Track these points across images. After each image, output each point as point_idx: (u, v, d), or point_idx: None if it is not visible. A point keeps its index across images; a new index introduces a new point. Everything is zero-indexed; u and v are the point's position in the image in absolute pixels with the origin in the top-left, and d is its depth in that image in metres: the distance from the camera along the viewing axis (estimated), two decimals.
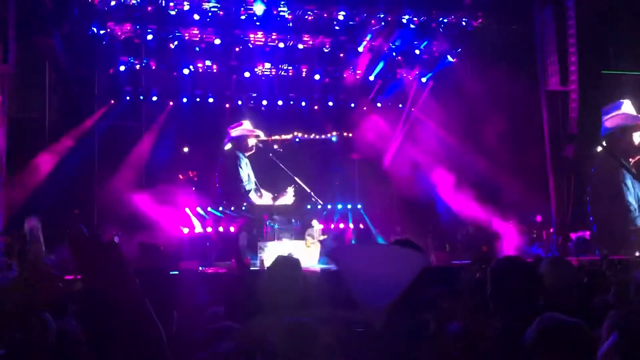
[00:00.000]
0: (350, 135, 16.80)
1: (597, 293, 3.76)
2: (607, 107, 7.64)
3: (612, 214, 7.08)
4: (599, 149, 7.70)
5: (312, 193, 11.74)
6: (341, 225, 15.99)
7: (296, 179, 11.16)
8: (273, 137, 11.80)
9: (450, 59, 15.41)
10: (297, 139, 14.74)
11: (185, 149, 15.69)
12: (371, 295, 1.64)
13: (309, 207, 16.01)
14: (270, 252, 13.71)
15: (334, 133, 16.42)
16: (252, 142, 10.46)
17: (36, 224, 11.41)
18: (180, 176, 15.56)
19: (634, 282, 2.76)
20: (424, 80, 16.15)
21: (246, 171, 10.42)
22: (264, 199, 10.90)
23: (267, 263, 12.29)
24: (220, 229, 15.14)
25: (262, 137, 10.86)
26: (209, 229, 15.07)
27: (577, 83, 12.59)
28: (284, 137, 12.75)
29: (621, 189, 7.03)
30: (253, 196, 10.62)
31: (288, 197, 10.88)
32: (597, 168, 7.28)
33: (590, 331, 1.90)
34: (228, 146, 10.56)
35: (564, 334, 1.77)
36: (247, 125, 10.59)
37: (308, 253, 13.96)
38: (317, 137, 15.75)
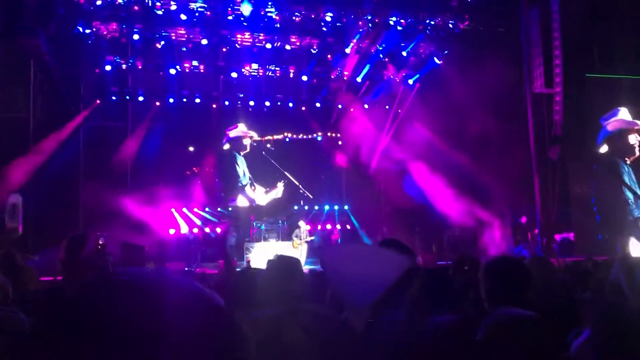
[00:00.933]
0: (337, 135, 16.85)
1: (580, 292, 3.81)
2: (607, 114, 8.34)
3: (613, 205, 7.86)
4: (603, 149, 8.26)
5: (300, 186, 12.57)
6: (328, 226, 16.06)
7: (286, 173, 11.95)
8: (266, 137, 12.47)
9: (437, 60, 15.50)
10: (287, 139, 14.95)
11: (191, 148, 15.67)
12: (355, 295, 1.65)
13: (296, 208, 16.05)
14: (257, 253, 13.73)
15: (319, 133, 16.48)
16: (247, 142, 11.32)
17: (17, 201, 11.29)
18: (187, 172, 15.55)
19: (609, 280, 2.80)
20: (410, 81, 16.22)
21: (242, 168, 11.30)
22: (257, 192, 11.61)
23: (254, 263, 12.35)
24: (207, 230, 15.14)
25: (256, 137, 11.64)
26: (195, 230, 15.06)
27: (562, 85, 12.71)
28: (275, 137, 13.22)
29: (620, 184, 7.77)
30: (248, 190, 11.41)
31: (278, 191, 11.72)
32: (599, 165, 7.85)
33: (545, 325, 1.92)
34: (226, 146, 11.35)
35: (518, 328, 1.79)
36: (242, 127, 11.38)
37: (295, 254, 14.00)
38: (304, 136, 15.88)
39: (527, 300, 2.16)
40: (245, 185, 11.27)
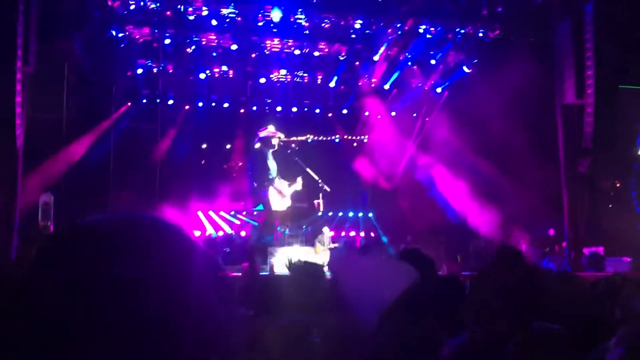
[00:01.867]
0: (360, 138, 16.82)
1: (609, 308, 3.73)
2: None
3: None
4: None
5: (319, 180, 13.34)
6: (352, 233, 16.04)
7: (308, 170, 13.03)
8: (291, 138, 13.38)
9: (466, 69, 15.40)
10: (310, 140, 15.26)
11: (228, 146, 15.96)
12: (362, 305, 1.66)
13: (320, 214, 16.07)
14: (280, 258, 13.78)
15: (338, 135, 16.50)
16: (275, 141, 12.61)
17: (49, 199, 11.60)
18: (225, 166, 15.82)
19: (621, 300, 2.75)
20: (439, 90, 16.14)
21: (271, 164, 12.58)
22: (282, 185, 12.80)
23: (277, 268, 12.42)
24: (232, 232, 15.27)
25: (283, 137, 12.94)
26: (221, 233, 15.21)
27: (594, 97, 12.52)
28: (299, 138, 13.94)
29: None
30: (277, 182, 12.65)
31: (298, 184, 12.79)
32: None
33: (576, 341, 1.89)
34: (257, 145, 12.73)
35: (548, 341, 1.77)
36: (271, 128, 12.70)
37: (317, 260, 14.00)
38: (325, 138, 15.99)
39: (546, 314, 2.13)
40: (274, 178, 12.55)
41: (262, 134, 12.66)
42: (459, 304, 1.74)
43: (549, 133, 13.51)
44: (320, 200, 13.49)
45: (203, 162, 15.87)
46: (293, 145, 13.23)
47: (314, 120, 16.47)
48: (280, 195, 12.80)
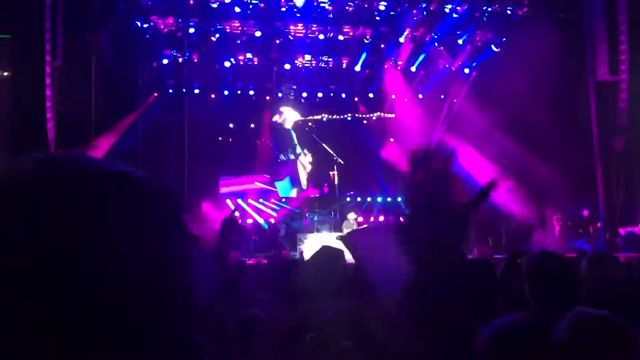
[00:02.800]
0: (381, 115, 16.64)
1: None
2: None
3: None
4: None
5: (334, 155, 14.87)
6: (381, 218, 15.94)
7: (324, 145, 14.71)
8: (308, 117, 15.11)
9: (494, 48, 15.07)
10: (325, 119, 15.86)
11: (252, 125, 16.24)
12: (385, 281, 1.62)
13: (348, 199, 16.03)
14: (309, 244, 13.82)
15: (349, 114, 16.41)
16: (291, 122, 14.76)
17: None
18: (257, 142, 16.11)
19: None
20: (466, 70, 15.83)
21: (295, 141, 14.68)
22: (306, 158, 14.89)
23: (307, 254, 12.46)
24: (260, 220, 15.34)
25: (299, 117, 14.92)
26: (250, 221, 15.29)
27: (628, 72, 12.13)
28: (316, 117, 15.45)
29: None
30: (301, 158, 14.77)
31: (308, 157, 14.79)
32: None
33: (626, 326, 1.81)
34: (279, 120, 14.77)
35: (597, 329, 1.69)
36: (287, 110, 14.95)
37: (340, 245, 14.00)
38: (338, 117, 16.10)
39: (579, 299, 2.05)
40: (300, 154, 14.53)
41: (283, 110, 14.78)
42: (489, 288, 1.67)
43: (581, 111, 13.16)
44: (335, 172, 14.93)
45: (231, 140, 16.05)
46: (310, 123, 14.80)
47: (340, 104, 16.38)
48: (304, 167, 14.65)
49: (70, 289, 0.55)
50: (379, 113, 16.43)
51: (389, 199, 16.40)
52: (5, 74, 12.52)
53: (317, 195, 15.85)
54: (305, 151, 14.79)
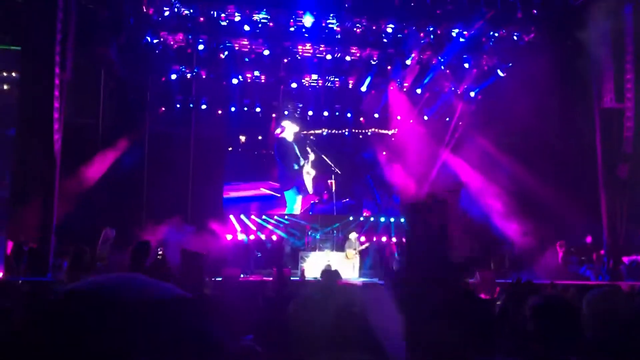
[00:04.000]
0: (381, 132, 16.78)
1: None
2: None
3: None
4: None
5: (332, 165, 15.76)
6: (384, 239, 15.89)
7: (323, 156, 15.57)
8: (309, 131, 16.06)
9: (500, 73, 15.15)
10: (325, 134, 16.54)
11: (260, 137, 16.51)
12: (392, 335, 1.62)
13: (351, 218, 16.02)
14: (311, 262, 13.79)
15: (346, 130, 16.69)
16: (291, 134, 15.61)
17: (111, 235, 12.08)
18: (263, 151, 16.74)
19: None
20: (472, 94, 15.90)
21: (296, 151, 15.46)
22: (309, 166, 15.72)
23: (308, 273, 12.43)
24: (263, 237, 15.33)
25: (298, 130, 15.72)
26: (252, 237, 15.27)
27: (634, 101, 12.17)
28: (317, 131, 16.29)
29: None
30: (306, 167, 15.53)
31: (311, 156, 15.72)
32: None
33: None
34: (282, 134, 15.53)
35: None
36: (287, 123, 15.64)
37: (348, 265, 13.95)
38: (337, 132, 16.53)
39: (580, 342, 2.05)
40: (303, 165, 15.47)
41: (285, 125, 15.73)
42: (487, 323, 1.68)
43: (586, 138, 13.18)
44: (333, 181, 15.81)
45: (240, 149, 16.39)
46: (311, 137, 15.83)
47: (344, 122, 16.57)
48: (309, 176, 15.42)
49: None
50: (374, 129, 16.60)
51: (392, 219, 16.39)
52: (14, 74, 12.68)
53: (317, 201, 16.07)
54: (306, 162, 15.71)
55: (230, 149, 16.17)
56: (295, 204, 15.95)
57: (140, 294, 0.74)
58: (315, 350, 1.68)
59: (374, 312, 1.70)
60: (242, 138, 16.32)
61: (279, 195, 16.03)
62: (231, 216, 15.55)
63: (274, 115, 16.13)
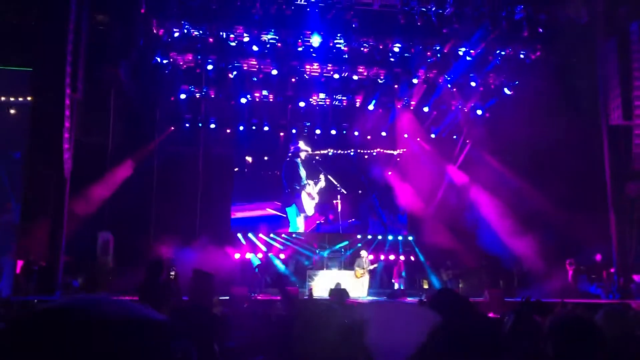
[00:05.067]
0: (397, 154, 16.77)
1: None
2: None
3: None
4: None
5: (338, 185, 16.34)
6: (391, 257, 15.85)
7: (328, 176, 16.27)
8: (315, 152, 16.41)
9: (507, 91, 15.19)
10: (331, 154, 16.59)
11: (266, 158, 16.57)
12: (386, 353, 1.62)
13: (359, 237, 16.01)
14: (319, 281, 13.75)
15: (351, 150, 16.73)
16: (303, 154, 16.26)
17: (108, 238, 12.08)
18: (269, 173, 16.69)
19: None
20: (479, 112, 15.93)
21: (302, 172, 16.12)
22: (312, 188, 16.13)
23: (316, 292, 12.39)
24: (271, 255, 15.34)
25: (310, 151, 16.34)
26: (260, 255, 15.28)
27: None
28: (322, 152, 16.54)
29: None
30: (308, 188, 16.11)
31: (322, 182, 16.18)
32: None
33: None
34: (289, 156, 16.18)
35: None
36: (301, 144, 16.28)
37: (357, 283, 13.90)
38: (343, 152, 16.59)
39: (603, 356, 2.04)
40: (306, 184, 16.02)
41: (292, 148, 16.24)
42: (498, 347, 1.67)
43: (594, 155, 13.16)
44: (338, 201, 16.18)
45: (246, 170, 16.41)
46: (317, 157, 16.30)
47: (351, 141, 16.60)
48: (310, 197, 16.10)
49: None
50: (379, 149, 16.62)
51: (399, 238, 16.36)
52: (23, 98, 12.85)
53: (323, 221, 16.07)
54: (310, 182, 16.14)
55: (236, 169, 16.21)
56: (296, 221, 16.00)
57: (106, 313, 0.77)
58: None
59: (379, 330, 1.71)
60: (249, 159, 16.37)
61: (284, 215, 16.06)
62: (239, 235, 15.59)
63: (282, 134, 16.22)
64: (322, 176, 16.22)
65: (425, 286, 14.83)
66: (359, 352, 1.70)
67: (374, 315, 1.81)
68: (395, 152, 16.79)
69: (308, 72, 14.84)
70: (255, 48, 13.59)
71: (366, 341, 1.71)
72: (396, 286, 14.42)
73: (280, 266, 15.33)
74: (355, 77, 14.86)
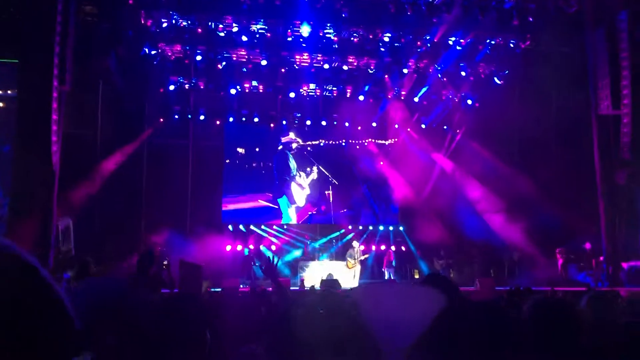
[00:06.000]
0: (383, 142, 16.79)
1: None
2: None
3: None
4: None
5: (329, 176, 16.42)
6: (382, 247, 15.88)
7: (320, 167, 16.27)
8: (307, 142, 16.47)
9: (497, 81, 15.20)
10: (322, 144, 16.54)
11: (257, 149, 16.50)
12: (391, 337, 1.61)
13: (350, 227, 16.02)
14: (310, 272, 13.77)
15: (342, 140, 16.70)
16: (294, 145, 16.30)
17: (68, 224, 11.92)
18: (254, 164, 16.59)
19: None
20: (469, 102, 15.93)
21: (293, 163, 16.23)
22: (302, 179, 16.23)
23: (308, 282, 12.41)
24: (262, 247, 15.32)
25: (300, 142, 16.35)
26: (251, 247, 15.25)
27: (631, 107, 12.21)
28: (314, 142, 16.57)
29: None
30: (297, 178, 16.22)
31: (314, 173, 16.24)
32: None
33: None
34: (280, 147, 16.21)
35: None
36: (292, 135, 16.26)
37: (349, 274, 13.94)
38: (334, 142, 16.55)
39: (579, 345, 2.04)
40: (295, 175, 16.17)
41: (284, 139, 16.19)
42: (496, 332, 1.66)
43: (583, 144, 13.22)
44: (330, 192, 16.28)
45: (237, 162, 16.36)
46: (308, 148, 16.34)
47: (341, 131, 16.57)
48: (300, 187, 16.20)
49: None
50: (370, 139, 16.61)
51: (390, 228, 16.39)
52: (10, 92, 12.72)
53: (315, 212, 16.07)
54: (301, 173, 16.23)
55: (227, 161, 16.12)
56: (288, 211, 16.00)
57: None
58: (315, 355, 1.67)
59: (373, 309, 1.70)
60: (241, 150, 16.28)
61: (276, 207, 16.03)
62: (230, 226, 15.56)
63: (272, 125, 16.16)
64: (315, 168, 16.21)
65: (416, 276, 14.88)
66: (357, 332, 1.69)
67: (367, 296, 1.81)
68: (386, 143, 16.78)
69: (298, 63, 14.76)
70: (244, 38, 13.48)
71: (362, 320, 1.70)
72: (387, 275, 14.47)
73: (272, 256, 15.27)
74: (345, 68, 14.81)
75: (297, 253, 15.42)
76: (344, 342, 1.63)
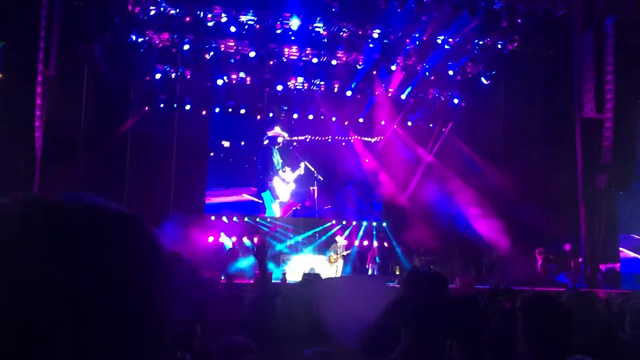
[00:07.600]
0: (369, 139, 16.84)
1: (624, 328, 3.64)
2: None
3: None
4: None
5: (315, 172, 16.31)
6: (365, 243, 15.96)
7: (305, 162, 16.21)
8: (293, 137, 16.39)
9: (484, 81, 15.31)
10: (308, 140, 16.58)
11: (242, 143, 16.45)
12: (345, 330, 1.63)
13: (333, 222, 16.07)
14: (293, 265, 13.80)
15: (328, 137, 16.74)
16: (280, 139, 16.26)
17: None
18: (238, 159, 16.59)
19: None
20: (455, 101, 16.05)
21: (277, 158, 16.19)
22: (287, 174, 16.18)
23: (290, 276, 12.43)
24: (244, 239, 15.30)
25: (286, 137, 16.25)
26: (233, 239, 15.22)
27: (613, 111, 12.36)
28: (300, 137, 16.51)
29: None
30: (281, 173, 16.15)
31: (301, 169, 16.19)
32: None
33: None
34: (266, 142, 16.22)
35: None
36: (277, 129, 16.22)
37: (332, 268, 13.99)
38: (320, 138, 16.56)
39: (571, 342, 2.08)
40: (279, 169, 16.14)
41: (269, 133, 16.14)
42: (476, 324, 1.69)
43: (567, 147, 13.37)
44: (315, 188, 16.24)
45: (222, 155, 16.28)
46: (294, 143, 16.29)
47: (328, 126, 16.57)
48: (285, 182, 16.11)
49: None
50: (356, 136, 16.66)
51: (374, 223, 16.46)
52: None
53: (299, 207, 16.09)
54: (286, 168, 16.15)
55: (212, 154, 16.04)
56: (272, 206, 16.00)
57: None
58: (291, 342, 1.69)
59: (337, 304, 1.72)
60: (226, 143, 16.21)
61: (260, 201, 16.02)
62: (212, 217, 15.50)
63: (258, 117, 16.12)
64: (302, 164, 16.16)
65: (397, 272, 14.98)
66: (316, 325, 1.71)
67: (334, 290, 1.82)
68: (372, 140, 16.83)
69: (286, 56, 14.72)
70: (233, 29, 13.40)
71: (321, 313, 1.72)
72: (370, 271, 14.55)
73: (265, 242, 15.18)
74: (334, 62, 14.80)
75: (280, 246, 15.42)
76: (313, 332, 1.65)
